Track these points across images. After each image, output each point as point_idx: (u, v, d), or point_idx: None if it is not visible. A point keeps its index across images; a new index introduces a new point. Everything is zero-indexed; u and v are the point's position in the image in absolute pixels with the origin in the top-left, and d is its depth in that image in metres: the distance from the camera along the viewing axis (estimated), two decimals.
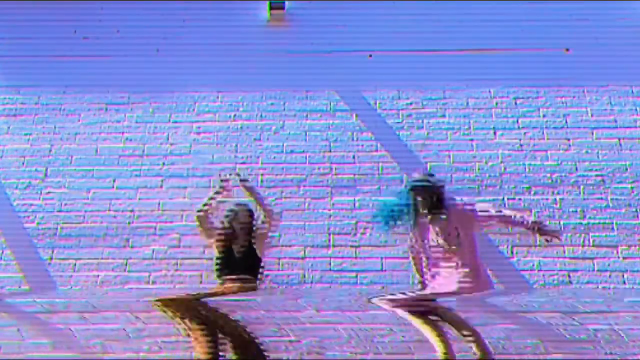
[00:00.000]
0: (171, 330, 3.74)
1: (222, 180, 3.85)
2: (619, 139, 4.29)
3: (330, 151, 4.37)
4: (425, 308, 3.39)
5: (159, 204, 4.17)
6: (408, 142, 4.34)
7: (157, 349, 3.74)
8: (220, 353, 3.38)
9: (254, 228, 3.72)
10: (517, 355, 3.70)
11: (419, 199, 3.53)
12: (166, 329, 3.75)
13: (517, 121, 4.39)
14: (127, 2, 4.81)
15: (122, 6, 4.80)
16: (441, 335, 3.27)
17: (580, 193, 4.14)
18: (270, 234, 3.81)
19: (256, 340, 3.49)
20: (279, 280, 3.96)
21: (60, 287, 3.92)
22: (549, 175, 4.19)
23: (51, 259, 4.02)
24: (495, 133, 4.35)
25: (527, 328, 3.80)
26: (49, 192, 4.24)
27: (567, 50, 4.51)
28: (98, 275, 3.95)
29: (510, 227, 3.77)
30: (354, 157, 4.32)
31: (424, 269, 3.54)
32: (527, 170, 4.22)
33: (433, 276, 3.46)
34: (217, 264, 3.67)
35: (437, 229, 3.46)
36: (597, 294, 3.85)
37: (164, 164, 4.32)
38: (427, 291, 3.47)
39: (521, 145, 4.30)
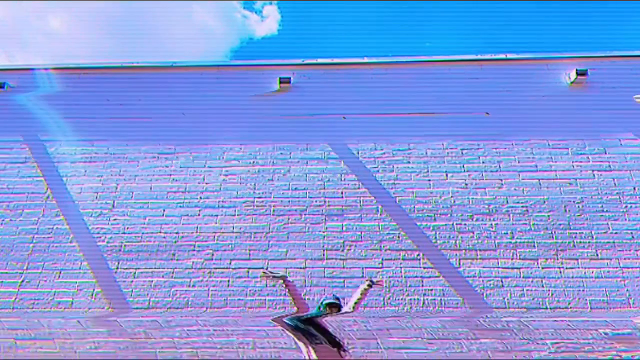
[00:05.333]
0: (193, 321, 4.74)
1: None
2: (539, 180, 5.33)
3: (324, 188, 5.35)
4: None
5: (196, 228, 5.19)
6: (382, 182, 5.37)
7: (186, 335, 4.72)
8: None
9: None
10: (454, 340, 4.60)
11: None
12: (188, 321, 4.74)
13: (463, 166, 5.42)
14: (175, 74, 5.93)
15: (169, 77, 5.95)
16: None
17: (509, 220, 5.14)
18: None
19: None
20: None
21: (124, 289, 4.98)
22: (486, 206, 5.21)
23: (117, 268, 5.04)
24: (447, 175, 5.39)
25: (461, 320, 4.70)
26: (115, 219, 5.26)
27: (500, 114, 5.67)
28: (152, 281, 4.98)
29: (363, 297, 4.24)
30: (342, 193, 5.34)
31: None
32: (470, 202, 5.24)
33: None
34: None
35: None
36: (522, 295, 4.79)
37: (200, 198, 5.34)
38: None
39: (466, 184, 5.33)
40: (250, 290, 4.94)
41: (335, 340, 3.76)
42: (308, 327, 3.72)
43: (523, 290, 4.87)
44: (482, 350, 4.64)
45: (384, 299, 4.84)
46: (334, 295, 4.03)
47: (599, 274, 4.89)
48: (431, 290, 4.91)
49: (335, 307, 3.82)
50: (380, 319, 4.74)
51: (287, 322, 3.78)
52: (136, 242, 5.16)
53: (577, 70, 5.70)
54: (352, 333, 4.67)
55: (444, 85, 5.83)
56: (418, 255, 5.05)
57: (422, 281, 4.94)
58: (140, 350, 4.73)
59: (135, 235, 5.19)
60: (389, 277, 4.94)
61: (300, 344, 3.76)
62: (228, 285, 4.97)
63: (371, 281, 4.14)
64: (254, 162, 5.53)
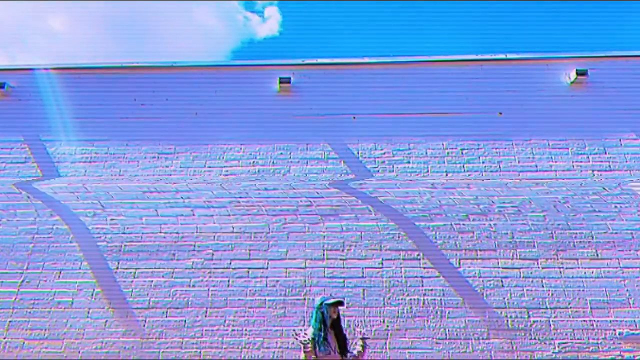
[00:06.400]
0: (195, 321, 4.78)
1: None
2: (539, 180, 5.32)
3: (324, 189, 5.36)
4: None
5: (196, 228, 5.21)
6: (382, 182, 5.38)
7: (189, 335, 4.77)
8: None
9: None
10: (464, 340, 4.64)
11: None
12: (191, 321, 4.77)
13: (463, 166, 5.43)
14: (175, 74, 5.93)
15: (169, 77, 5.94)
16: None
17: (509, 220, 5.14)
18: None
19: None
20: (286, 284, 4.90)
21: (124, 289, 4.98)
22: (486, 206, 5.22)
23: (117, 268, 5.05)
24: (447, 175, 5.42)
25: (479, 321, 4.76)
26: (115, 219, 5.28)
27: (501, 114, 5.65)
28: (152, 281, 4.99)
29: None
30: (341, 193, 5.33)
31: None
32: (470, 202, 5.24)
33: None
34: None
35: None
36: (522, 295, 4.82)
37: (200, 198, 5.32)
38: None
39: (466, 184, 5.34)
40: (250, 290, 4.96)
41: (343, 343, 3.77)
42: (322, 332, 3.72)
43: (523, 290, 4.88)
44: (487, 350, 4.64)
45: (384, 299, 4.85)
46: (331, 295, 4.05)
47: (599, 274, 4.90)
48: (431, 290, 4.92)
49: (338, 304, 3.83)
50: (398, 318, 4.78)
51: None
52: (136, 242, 5.16)
53: (577, 70, 5.70)
54: (367, 333, 4.72)
55: (444, 85, 5.82)
56: (418, 255, 5.07)
57: (422, 281, 4.96)
58: (145, 350, 4.73)
59: (135, 235, 5.19)
60: (389, 277, 4.95)
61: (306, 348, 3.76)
62: (228, 285, 4.98)
63: (364, 341, 3.95)
64: (254, 162, 5.54)
